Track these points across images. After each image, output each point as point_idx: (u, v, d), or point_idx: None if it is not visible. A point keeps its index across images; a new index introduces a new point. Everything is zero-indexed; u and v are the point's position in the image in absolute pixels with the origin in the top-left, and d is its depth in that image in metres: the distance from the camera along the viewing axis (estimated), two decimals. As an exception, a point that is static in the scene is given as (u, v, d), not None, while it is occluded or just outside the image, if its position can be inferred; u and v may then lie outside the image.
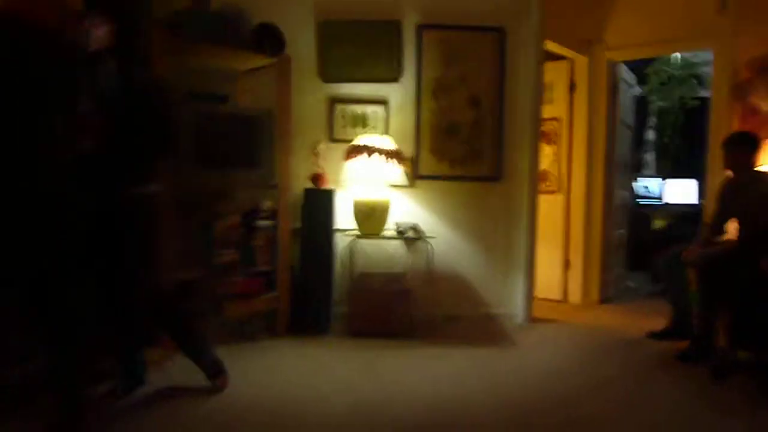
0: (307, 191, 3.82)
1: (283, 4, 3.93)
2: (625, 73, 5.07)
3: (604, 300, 4.92)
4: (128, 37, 2.37)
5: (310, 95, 4.02)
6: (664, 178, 6.75)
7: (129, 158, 2.39)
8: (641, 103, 6.38)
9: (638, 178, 6.64)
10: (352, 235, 3.86)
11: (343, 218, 3.96)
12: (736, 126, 4.05)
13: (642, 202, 6.44)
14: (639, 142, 7.07)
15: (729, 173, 3.59)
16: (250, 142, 3.56)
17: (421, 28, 4.07)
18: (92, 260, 2.24)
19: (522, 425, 2.48)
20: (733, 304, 3.22)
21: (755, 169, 3.49)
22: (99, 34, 2.26)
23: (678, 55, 6.86)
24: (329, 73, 4.05)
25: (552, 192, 4.87)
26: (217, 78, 3.69)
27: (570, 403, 2.71)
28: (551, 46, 4.43)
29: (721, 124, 4.17)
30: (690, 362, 3.25)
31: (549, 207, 4.77)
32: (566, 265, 4.92)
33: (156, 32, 3.01)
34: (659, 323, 3.83)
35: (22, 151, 1.84)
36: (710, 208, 3.84)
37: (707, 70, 6.76)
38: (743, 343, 3.18)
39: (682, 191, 6.51)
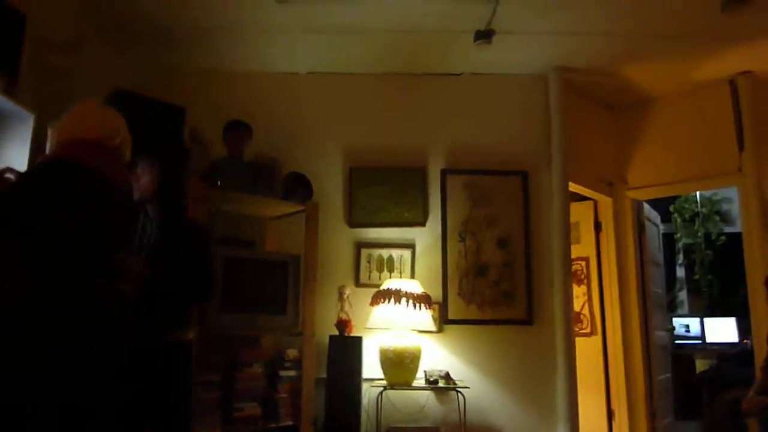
0: (333, 338, 3.68)
1: (313, 153, 4.10)
2: (649, 212, 5.07)
3: (655, 453, 4.49)
4: (170, 185, 2.44)
5: (336, 240, 4.03)
6: (700, 317, 6.49)
7: (167, 303, 2.38)
8: (668, 242, 6.33)
9: (674, 318, 6.39)
10: (380, 386, 3.65)
11: (371, 367, 3.77)
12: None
13: (681, 342, 6.14)
14: (670, 281, 6.91)
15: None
16: (276, 287, 3.51)
17: (445, 173, 4.16)
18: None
19: None
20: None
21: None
22: (143, 181, 2.34)
23: (698, 192, 6.93)
24: (356, 218, 4.09)
25: (587, 334, 4.66)
26: (247, 224, 3.73)
27: None
28: (574, 188, 4.48)
29: (757, 260, 4.05)
30: None
31: (584, 350, 4.53)
32: (610, 413, 4.57)
33: (192, 181, 3.09)
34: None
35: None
36: (761, 346, 3.60)
37: (728, 207, 6.79)
38: None
39: (721, 330, 6.22)
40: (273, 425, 3.36)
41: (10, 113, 2.39)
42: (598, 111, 4.84)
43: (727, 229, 6.78)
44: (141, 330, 2.27)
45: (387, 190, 4.11)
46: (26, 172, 1.87)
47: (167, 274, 2.34)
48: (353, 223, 4.10)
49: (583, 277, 4.77)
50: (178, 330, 2.47)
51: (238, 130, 3.58)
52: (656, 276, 5.08)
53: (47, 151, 1.88)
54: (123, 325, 1.90)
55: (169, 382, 2.40)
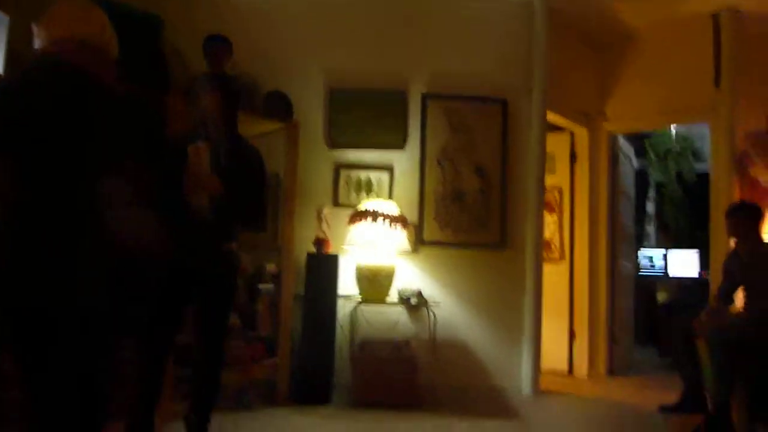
0: (311, 256, 3.78)
1: (294, 73, 4.05)
2: (625, 145, 5.17)
3: (612, 373, 4.78)
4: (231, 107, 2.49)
5: (316, 161, 4.07)
6: (665, 250, 6.76)
7: (230, 217, 2.54)
8: (640, 177, 6.49)
9: (640, 250, 6.64)
10: (355, 301, 3.80)
11: (346, 284, 3.90)
12: (737, 198, 4.09)
13: (645, 273, 6.41)
14: (640, 215, 7.13)
15: (733, 243, 3.59)
16: (255, 204, 3.56)
17: (426, 98, 4.18)
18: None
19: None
20: (750, 376, 3.13)
21: (761, 239, 3.49)
22: (206, 102, 2.37)
23: (673, 129, 7.04)
24: (336, 140, 4.12)
25: (555, 261, 4.84)
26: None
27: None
28: (552, 118, 4.53)
29: (722, 196, 4.20)
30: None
31: (552, 276, 4.73)
32: (571, 335, 4.83)
33: (172, 98, 3.07)
34: (670, 397, 3.71)
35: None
36: (717, 278, 3.80)
37: (702, 145, 6.93)
38: (762, 417, 3.07)
39: (684, 263, 6.50)
40: (252, 335, 3.50)
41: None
42: (582, 44, 4.84)
43: (700, 168, 6.95)
44: (207, 237, 2.46)
45: (367, 112, 4.12)
46: (17, 71, 1.84)
47: (233, 189, 2.45)
48: (333, 144, 4.12)
49: (555, 205, 4.91)
50: (231, 240, 2.62)
51: (218, 45, 3.51)
52: (626, 208, 5.25)
53: (35, 47, 1.85)
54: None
55: (221, 287, 2.60)
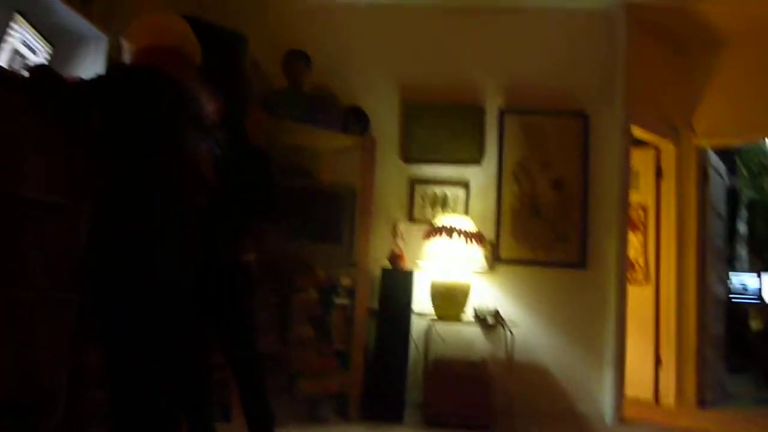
0: (385, 271, 3.76)
1: (370, 87, 4.09)
2: (716, 161, 4.88)
3: (702, 403, 4.46)
4: (234, 112, 2.51)
5: (391, 176, 4.06)
6: (758, 274, 6.30)
7: (235, 222, 2.48)
8: (731, 194, 6.10)
9: (731, 273, 6.23)
10: (430, 319, 3.73)
11: (421, 300, 3.85)
12: None
13: (737, 298, 5.99)
14: (731, 235, 6.70)
15: None
16: (332, 218, 3.60)
17: (503, 112, 4.10)
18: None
19: None
20: None
21: None
22: (209, 108, 2.41)
23: (768, 144, 6.61)
24: (411, 155, 4.10)
25: (639, 282, 4.60)
26: (303, 155, 3.79)
27: None
28: (636, 132, 4.34)
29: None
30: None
31: (636, 298, 4.47)
32: (657, 362, 4.55)
33: (253, 110, 3.16)
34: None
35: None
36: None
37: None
38: None
39: (781, 289, 6.04)
40: (325, 348, 3.51)
41: (85, 35, 2.49)
42: (667, 52, 4.61)
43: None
44: (206, 248, 2.38)
45: (443, 127, 4.09)
46: (107, 73, 1.95)
47: (233, 195, 2.43)
48: (408, 159, 4.11)
49: (639, 224, 4.67)
50: (240, 251, 2.58)
51: (298, 60, 3.60)
52: (717, 228, 4.93)
53: (126, 60, 1.95)
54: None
55: (232, 301, 2.51)
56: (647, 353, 4.56)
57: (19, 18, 2.16)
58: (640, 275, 4.64)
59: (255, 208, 2.57)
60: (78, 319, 2.18)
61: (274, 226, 3.13)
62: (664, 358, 4.53)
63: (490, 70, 4.18)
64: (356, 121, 3.71)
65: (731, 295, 5.93)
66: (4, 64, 2.05)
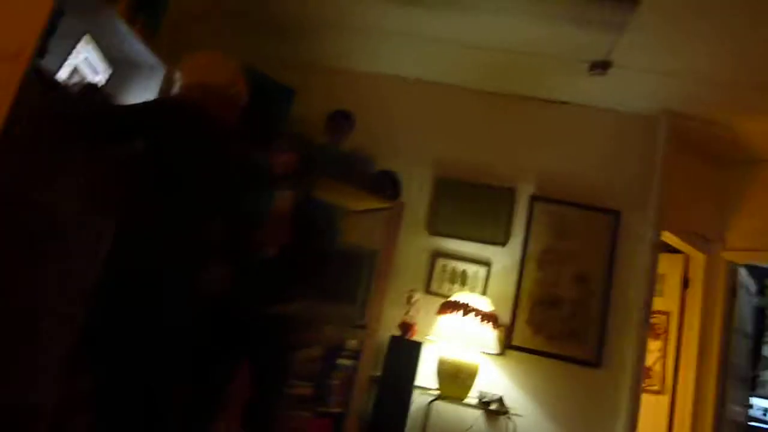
0: (394, 339, 3.68)
1: (404, 157, 4.14)
2: (746, 278, 4.76)
3: None
4: (308, 166, 2.61)
5: (414, 245, 4.05)
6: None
7: (291, 275, 2.54)
8: (758, 315, 5.90)
9: (752, 397, 5.93)
10: (432, 395, 3.61)
11: (425, 375, 3.74)
12: None
13: (757, 425, 5.68)
14: (756, 357, 6.43)
15: None
16: (349, 278, 3.57)
17: (533, 199, 4.11)
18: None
19: None
20: None
21: None
22: (285, 158, 2.50)
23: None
24: (437, 227, 4.10)
25: (655, 392, 4.41)
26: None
27: None
28: (666, 237, 4.28)
29: None
30: None
31: (649, 408, 4.27)
32: (666, 481, 4.29)
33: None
34: None
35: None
36: None
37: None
38: None
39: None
40: (322, 409, 3.41)
41: (144, 63, 2.61)
42: (704, 163, 4.59)
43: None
44: (267, 292, 2.44)
45: (472, 204, 4.10)
46: (153, 102, 2.03)
47: (300, 245, 2.49)
48: (433, 231, 4.11)
49: (660, 332, 4.53)
50: (289, 301, 2.62)
51: (342, 119, 3.70)
52: (741, 348, 4.74)
53: (174, 92, 2.03)
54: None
55: (275, 350, 2.60)
56: (656, 470, 4.31)
57: (88, 38, 2.28)
58: (656, 385, 4.45)
59: (310, 265, 2.61)
60: (78, 338, 2.17)
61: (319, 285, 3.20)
62: (673, 477, 4.28)
63: (524, 156, 4.22)
64: (388, 185, 3.75)
65: (751, 423, 5.62)
66: (63, 78, 2.15)
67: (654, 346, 4.51)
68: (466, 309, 3.60)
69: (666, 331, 4.53)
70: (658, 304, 4.47)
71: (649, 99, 4.02)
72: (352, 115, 3.76)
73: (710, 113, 4.01)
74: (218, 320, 2.42)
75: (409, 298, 3.81)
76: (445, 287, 3.98)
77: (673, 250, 4.59)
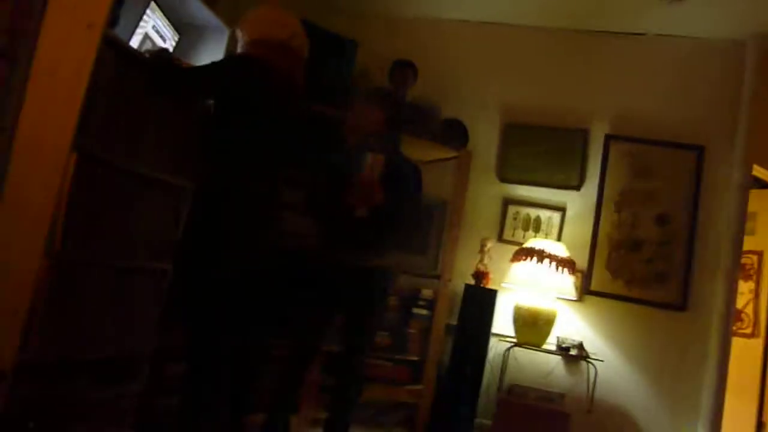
0: (468, 287, 3.69)
1: (471, 103, 4.06)
2: None
3: (809, 480, 4.00)
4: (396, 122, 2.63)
5: (485, 193, 4.00)
6: None
7: (387, 230, 2.61)
8: None
9: None
10: (509, 342, 3.62)
11: (501, 322, 3.74)
12: None
13: None
14: None
15: None
16: (420, 228, 3.59)
17: (609, 139, 3.93)
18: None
19: None
20: None
21: None
22: (374, 116, 2.52)
23: None
24: (507, 174, 4.02)
25: (746, 335, 4.21)
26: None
27: None
28: (757, 171, 3.99)
29: None
30: None
31: (740, 352, 4.09)
32: (759, 426, 4.13)
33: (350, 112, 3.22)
34: None
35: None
36: None
37: None
38: None
39: None
40: (400, 357, 3.49)
41: (210, 27, 2.66)
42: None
43: None
44: (351, 252, 2.54)
45: (543, 148, 3.98)
46: (219, 61, 2.07)
47: (391, 205, 2.53)
48: (503, 178, 4.03)
49: (752, 272, 4.29)
50: (383, 257, 2.68)
51: (405, 69, 3.65)
52: (844, 287, 4.42)
53: (238, 50, 2.06)
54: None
55: (370, 302, 2.66)
56: (748, 415, 4.15)
57: (154, 6, 2.35)
58: (747, 328, 4.25)
59: (404, 221, 2.64)
60: (168, 292, 2.31)
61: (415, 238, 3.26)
62: (767, 422, 4.11)
63: (598, 94, 4.02)
64: (455, 134, 3.70)
65: None
66: (135, 46, 2.23)
67: (745, 287, 4.28)
68: (542, 256, 3.54)
69: (758, 272, 4.28)
70: (748, 243, 4.19)
71: (735, 23, 3.70)
72: (415, 65, 3.70)
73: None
74: (308, 274, 2.51)
75: (482, 246, 3.78)
76: (518, 234, 3.93)
77: (765, 185, 4.28)
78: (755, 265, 4.29)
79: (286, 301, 2.62)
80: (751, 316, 4.26)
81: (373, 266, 2.61)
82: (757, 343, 4.21)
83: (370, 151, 2.53)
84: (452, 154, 3.71)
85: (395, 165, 2.61)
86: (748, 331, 4.24)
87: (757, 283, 4.27)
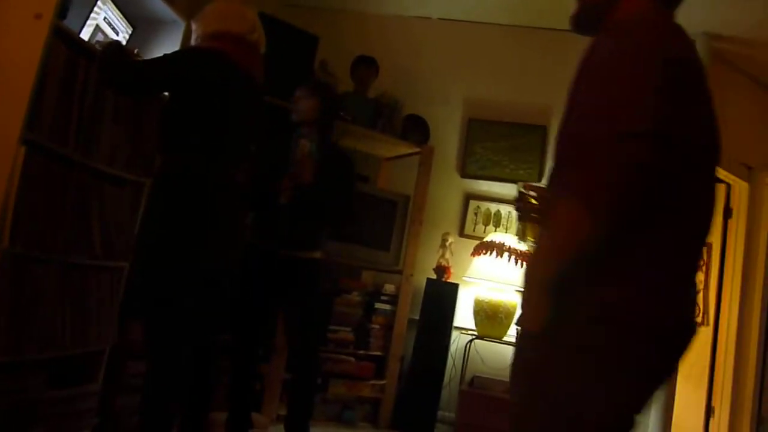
0: (430, 281, 3.72)
1: (434, 99, 4.09)
2: (792, 206, 4.60)
3: (755, 461, 4.18)
4: (328, 113, 2.63)
5: (446, 188, 4.04)
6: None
7: (315, 220, 2.57)
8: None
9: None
10: (471, 335, 3.67)
11: (462, 316, 3.79)
12: None
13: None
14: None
15: None
16: (383, 224, 3.60)
17: (566, 135, 4.01)
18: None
19: None
20: None
21: None
22: (304, 105, 2.50)
23: None
24: (469, 170, 4.07)
25: (697, 324, 4.36)
26: (362, 160, 3.82)
27: None
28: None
29: None
30: None
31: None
32: (708, 411, 4.30)
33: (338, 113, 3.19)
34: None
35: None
36: None
37: None
38: None
39: None
40: (362, 352, 3.50)
41: (165, 20, 2.61)
42: (747, 88, 4.39)
43: None
44: (276, 240, 2.50)
45: (504, 145, 4.04)
46: (173, 54, 2.03)
47: (316, 194, 2.49)
48: (465, 173, 4.08)
49: (701, 264, 4.45)
50: (311, 248, 2.63)
51: (366, 66, 3.66)
52: (787, 277, 4.63)
53: (192, 43, 2.03)
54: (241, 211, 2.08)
55: (301, 293, 2.59)
56: (698, 401, 4.31)
57: (106, -3, 2.29)
58: (697, 316, 4.40)
59: (336, 210, 2.62)
60: (126, 290, 2.27)
61: (348, 229, 3.22)
62: (716, 407, 4.27)
63: (557, 91, 4.06)
64: (416, 130, 3.72)
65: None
66: (85, 38, 2.17)
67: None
68: (501, 249, 3.60)
69: (707, 263, 4.44)
70: (699, 235, 4.38)
71: (684, 22, 3.81)
72: (376, 61, 3.71)
73: (753, 34, 3.80)
74: (251, 266, 2.46)
75: (444, 241, 3.82)
76: (479, 229, 3.99)
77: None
78: (704, 258, 4.45)
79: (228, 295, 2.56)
80: (701, 305, 4.42)
81: (298, 257, 2.56)
82: (707, 331, 4.37)
83: (302, 138, 2.52)
84: (414, 149, 3.74)
85: (324, 152, 2.58)
86: (698, 320, 4.39)
87: (707, 275, 4.43)
